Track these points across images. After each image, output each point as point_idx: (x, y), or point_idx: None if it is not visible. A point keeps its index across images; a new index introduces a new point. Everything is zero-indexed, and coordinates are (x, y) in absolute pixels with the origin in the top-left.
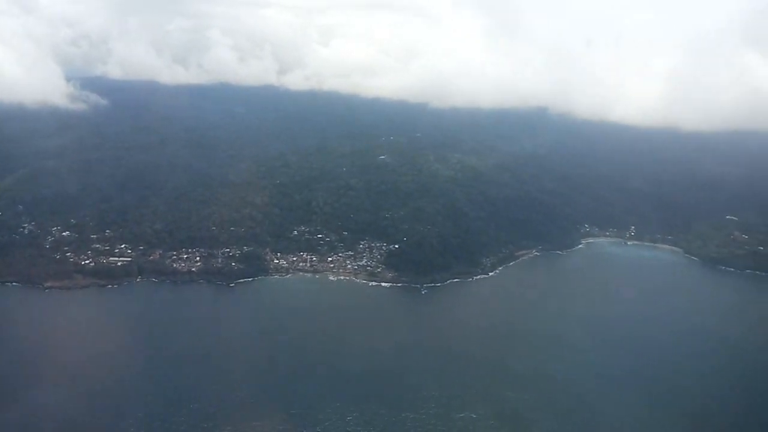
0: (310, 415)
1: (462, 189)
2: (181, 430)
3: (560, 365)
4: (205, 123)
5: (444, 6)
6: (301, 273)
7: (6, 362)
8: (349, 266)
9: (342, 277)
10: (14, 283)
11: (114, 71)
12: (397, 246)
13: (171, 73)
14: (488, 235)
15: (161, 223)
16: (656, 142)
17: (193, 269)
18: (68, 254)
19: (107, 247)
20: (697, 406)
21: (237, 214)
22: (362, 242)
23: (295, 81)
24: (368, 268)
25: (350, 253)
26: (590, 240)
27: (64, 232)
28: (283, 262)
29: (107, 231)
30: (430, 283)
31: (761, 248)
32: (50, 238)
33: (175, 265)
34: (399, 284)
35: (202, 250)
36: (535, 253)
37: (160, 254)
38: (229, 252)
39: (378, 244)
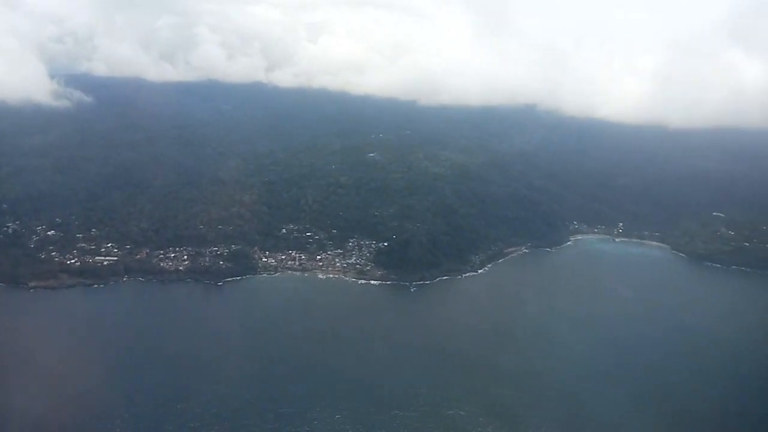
0: (298, 414)
1: (451, 186)
2: (167, 431)
3: (549, 362)
4: (193, 120)
5: (432, 3)
6: (289, 271)
7: None
8: (338, 264)
9: (331, 276)
10: None
11: (99, 68)
12: (386, 244)
13: (158, 70)
14: (477, 232)
15: (148, 222)
16: (643, 139)
17: (181, 268)
18: (53, 253)
19: (93, 247)
20: (684, 403)
21: (225, 212)
22: (351, 240)
23: (284, 78)
24: (357, 266)
25: (339, 251)
26: (579, 237)
27: (49, 231)
28: (271, 260)
29: (93, 230)
30: (420, 280)
31: (747, 244)
32: (35, 238)
33: (162, 264)
34: (388, 282)
35: (190, 248)
36: (524, 250)
37: (147, 253)
38: (217, 251)
39: (367, 242)
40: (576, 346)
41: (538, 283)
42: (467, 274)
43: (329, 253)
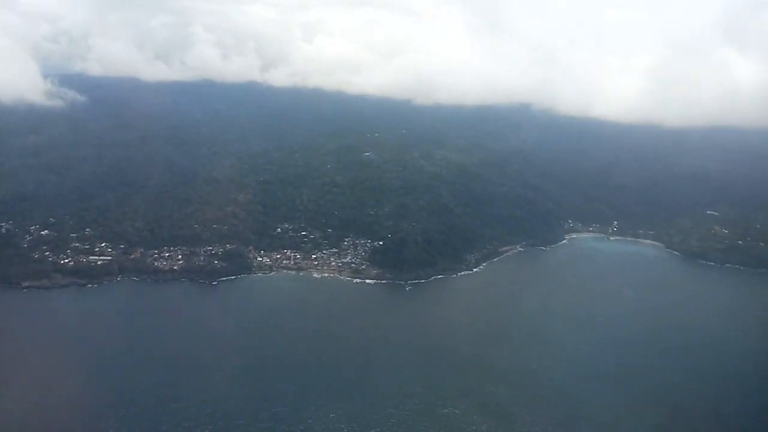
0: (293, 413)
1: (447, 185)
2: (162, 430)
3: (544, 360)
4: (188, 120)
5: (427, 3)
6: (284, 271)
7: None
8: (333, 263)
9: (326, 275)
10: None
11: (94, 68)
12: (381, 243)
13: (153, 70)
14: (473, 231)
15: (142, 222)
16: (638, 138)
17: (175, 268)
18: (47, 253)
19: (87, 246)
20: (677, 400)
21: (220, 211)
22: (347, 239)
23: (279, 78)
24: (352, 265)
25: (334, 250)
26: (573, 235)
27: (43, 231)
28: (266, 259)
29: (87, 229)
30: (415, 279)
31: (741, 242)
32: (28, 237)
33: (156, 264)
34: (383, 281)
35: (184, 248)
36: (519, 248)
37: (141, 253)
38: (212, 250)
39: (362, 241)
40: (570, 345)
41: (533, 282)
42: (462, 273)
43: (324, 252)
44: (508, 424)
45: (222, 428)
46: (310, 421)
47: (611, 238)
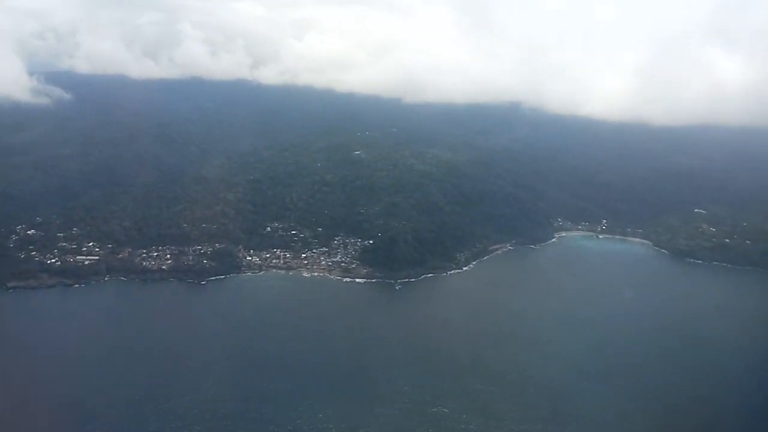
0: (282, 413)
1: (437, 184)
2: (150, 431)
3: (532, 359)
4: (176, 118)
5: (417, 1)
6: (274, 270)
7: None
8: (323, 262)
9: (316, 274)
10: None
11: (81, 65)
12: (371, 241)
13: (141, 68)
14: (463, 229)
15: (130, 221)
16: (626, 137)
17: (164, 267)
18: (33, 253)
19: (74, 246)
20: (666, 398)
21: (209, 210)
22: (337, 238)
23: (269, 75)
24: (342, 264)
25: (324, 249)
26: (563, 234)
27: (29, 230)
28: (256, 259)
29: (74, 229)
30: (405, 278)
31: (728, 241)
32: (14, 237)
33: (144, 264)
34: (373, 280)
35: (173, 247)
36: (508, 247)
37: (129, 252)
38: (201, 249)
39: (352, 240)
40: (560, 343)
41: (522, 281)
42: (452, 272)
43: (314, 251)
44: (496, 422)
45: (210, 429)
46: (298, 421)
47: (600, 237)
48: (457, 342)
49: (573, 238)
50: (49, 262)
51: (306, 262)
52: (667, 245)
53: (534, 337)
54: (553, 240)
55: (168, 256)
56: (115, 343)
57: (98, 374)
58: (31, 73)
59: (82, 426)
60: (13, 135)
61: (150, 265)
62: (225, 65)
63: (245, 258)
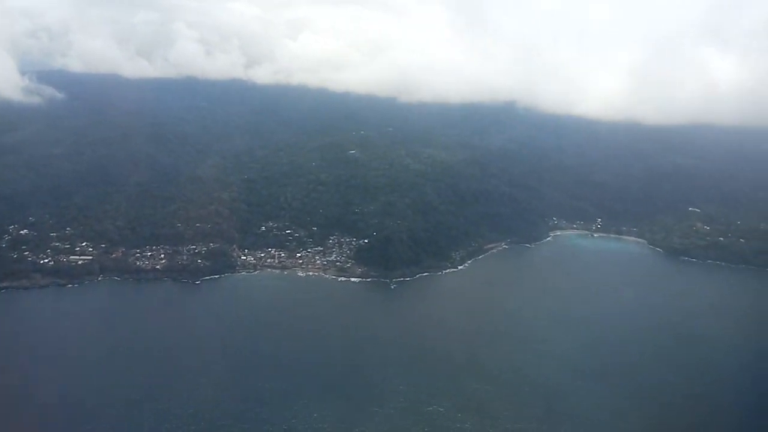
0: (276, 413)
1: (432, 183)
2: (143, 431)
3: (527, 358)
4: (170, 117)
5: (411, 1)
6: (269, 269)
7: None
8: (318, 262)
9: (311, 273)
10: None
11: (74, 64)
12: (366, 241)
13: (134, 67)
14: (458, 228)
15: (124, 220)
16: (620, 136)
17: (158, 267)
18: (26, 253)
19: (67, 246)
20: (660, 396)
21: (203, 210)
22: (331, 237)
23: (263, 75)
24: (337, 263)
25: (319, 248)
26: (558, 233)
27: (22, 230)
28: (250, 258)
29: (67, 229)
30: (400, 277)
31: (722, 239)
32: (7, 237)
33: (138, 263)
34: (368, 279)
35: (167, 247)
36: (503, 246)
37: (122, 252)
38: (195, 249)
39: (347, 239)
40: (555, 342)
41: (517, 280)
42: (447, 271)
43: (309, 250)
44: (491, 421)
45: (205, 429)
46: (293, 421)
47: (595, 235)
48: (453, 341)
49: (568, 237)
50: (42, 262)
51: (301, 261)
52: (661, 244)
53: (529, 336)
54: (548, 239)
55: (162, 255)
56: (109, 344)
57: (92, 375)
58: (23, 72)
59: (76, 427)
60: (5, 134)
61: (144, 265)
62: (219, 65)
63: (240, 257)
